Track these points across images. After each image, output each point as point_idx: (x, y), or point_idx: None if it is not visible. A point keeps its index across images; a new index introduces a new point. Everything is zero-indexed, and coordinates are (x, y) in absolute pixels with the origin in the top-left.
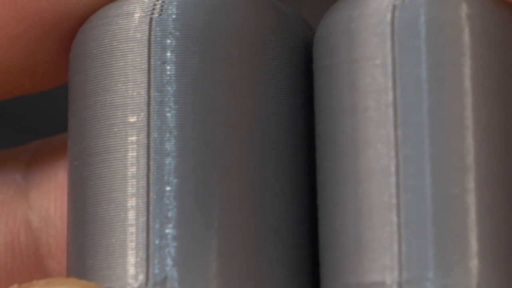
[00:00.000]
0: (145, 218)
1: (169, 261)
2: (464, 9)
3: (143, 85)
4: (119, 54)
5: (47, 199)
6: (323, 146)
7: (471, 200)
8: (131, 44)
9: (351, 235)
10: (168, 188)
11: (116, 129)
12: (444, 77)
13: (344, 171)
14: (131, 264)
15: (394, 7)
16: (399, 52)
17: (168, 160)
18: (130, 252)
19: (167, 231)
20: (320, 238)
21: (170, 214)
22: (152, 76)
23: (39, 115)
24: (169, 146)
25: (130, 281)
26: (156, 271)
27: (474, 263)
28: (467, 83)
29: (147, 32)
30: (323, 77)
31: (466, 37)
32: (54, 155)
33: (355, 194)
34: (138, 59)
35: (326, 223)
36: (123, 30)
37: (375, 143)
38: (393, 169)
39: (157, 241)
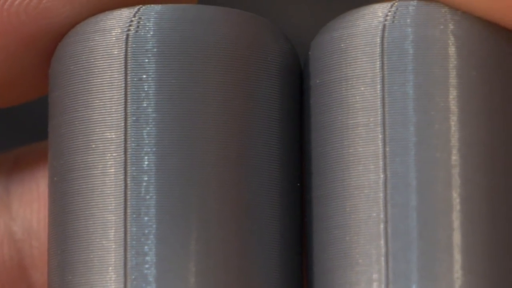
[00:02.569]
0: (122, 235)
1: (147, 278)
2: (451, 29)
3: (120, 101)
4: (96, 70)
5: (29, 210)
6: (313, 163)
7: (456, 215)
8: (108, 61)
9: (339, 250)
10: (145, 204)
11: (94, 145)
12: (431, 95)
13: (333, 187)
14: (109, 280)
15: (384, 27)
16: (388, 71)
17: (145, 177)
18: (108, 268)
19: (144, 247)
20: (308, 253)
21: (147, 230)
22: (129, 92)
23: (39, 115)
24: (147, 162)
25: None
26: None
27: (458, 276)
28: (454, 102)
29: (124, 48)
30: (314, 95)
31: (453, 57)
32: (35, 164)
33: (344, 209)
34: (115, 76)
35: (314, 238)
36: (100, 47)
37: (364, 159)
38: (381, 184)
39: (134, 258)
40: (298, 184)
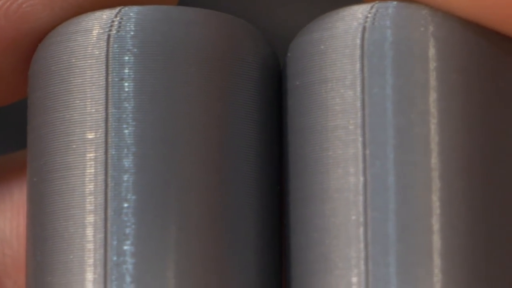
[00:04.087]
0: (102, 235)
1: (127, 278)
2: (432, 31)
3: (101, 101)
4: (77, 70)
5: (3, 219)
6: (292, 165)
7: (436, 218)
8: (89, 61)
9: (318, 253)
10: (125, 205)
11: (74, 146)
12: (411, 98)
13: (313, 190)
14: (89, 280)
15: (364, 29)
16: (368, 73)
17: (126, 177)
18: (88, 269)
19: (125, 247)
20: (287, 256)
21: (127, 230)
22: (110, 92)
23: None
24: (127, 162)
25: None
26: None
27: (437, 280)
28: (434, 105)
29: (105, 49)
30: (294, 97)
31: (434, 59)
32: (8, 173)
33: (323, 212)
34: (96, 76)
35: (293, 241)
36: (81, 47)
37: (343, 162)
38: (361, 187)
39: (114, 258)
40: (278, 187)
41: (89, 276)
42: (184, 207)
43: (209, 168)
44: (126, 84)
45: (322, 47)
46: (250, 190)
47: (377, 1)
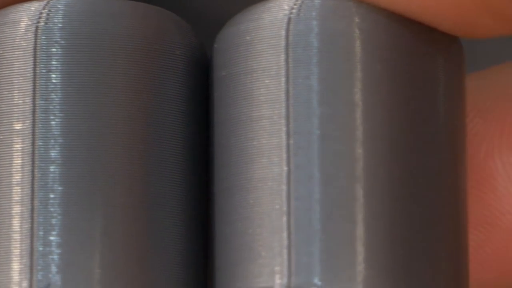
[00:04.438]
0: (29, 225)
1: (53, 268)
2: (356, 23)
3: (28, 93)
4: (5, 62)
5: None
6: (218, 156)
7: (360, 208)
8: (17, 53)
9: (242, 242)
10: (52, 196)
11: (1, 137)
12: (335, 89)
13: (237, 180)
14: (15, 270)
15: (289, 20)
16: (292, 63)
17: (52, 168)
18: (14, 259)
19: (51, 238)
20: (212, 246)
21: (54, 221)
22: (37, 84)
23: None
24: (54, 153)
25: (14, 287)
26: (40, 277)
27: (360, 269)
28: (358, 96)
29: (33, 40)
30: (220, 87)
31: (358, 50)
32: None
33: (247, 202)
34: (24, 67)
35: (218, 230)
36: (9, 39)
37: (267, 152)
38: (284, 177)
39: (40, 248)
40: (205, 178)
41: (15, 266)
42: (110, 199)
43: (135, 160)
44: (53, 75)
45: (248, 38)
46: (176, 181)
47: None
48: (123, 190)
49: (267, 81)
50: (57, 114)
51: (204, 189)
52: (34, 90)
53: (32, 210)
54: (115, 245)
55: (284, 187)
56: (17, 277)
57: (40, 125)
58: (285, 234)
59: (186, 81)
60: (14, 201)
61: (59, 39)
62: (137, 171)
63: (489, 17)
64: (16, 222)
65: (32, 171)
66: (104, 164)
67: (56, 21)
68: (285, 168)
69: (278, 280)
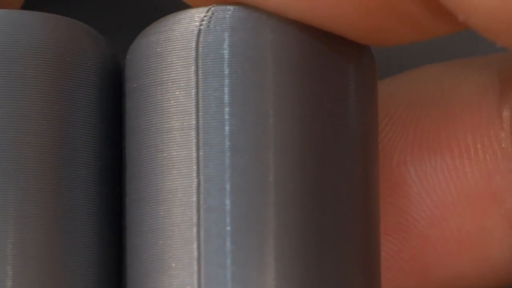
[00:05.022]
0: None
1: None
2: (267, 35)
3: None
4: None
5: None
6: (129, 167)
7: (270, 220)
8: None
9: (152, 253)
10: None
11: None
12: (246, 100)
13: (148, 191)
14: None
15: (199, 31)
16: (202, 75)
17: None
18: None
19: None
20: (124, 257)
21: None
22: None
23: None
24: None
25: None
26: None
27: (270, 281)
28: (269, 107)
29: None
30: (131, 99)
31: (269, 62)
32: None
33: (157, 213)
34: None
35: (129, 242)
36: None
37: (177, 164)
38: (194, 188)
39: None
40: (118, 189)
41: None
42: (21, 210)
43: (47, 171)
44: None
45: (158, 49)
46: (89, 192)
47: (214, 5)
48: (35, 201)
49: (177, 93)
50: None
51: (117, 200)
52: None
53: None
54: (25, 257)
55: (194, 199)
56: None
57: None
58: (195, 246)
59: (98, 92)
60: None
61: None
62: (49, 182)
63: (397, 23)
64: None
65: None
66: (15, 175)
67: None
68: (195, 180)
69: None
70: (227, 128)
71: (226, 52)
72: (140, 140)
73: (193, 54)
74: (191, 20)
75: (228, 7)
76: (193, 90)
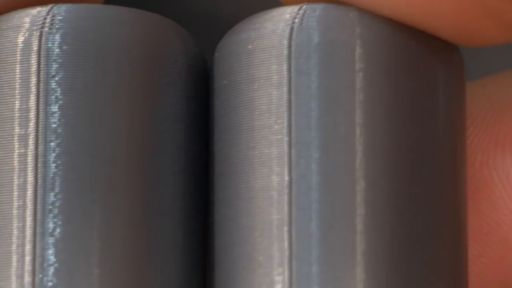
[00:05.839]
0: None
1: (51, 270)
2: (359, 32)
3: (33, 98)
4: (8, 66)
5: None
6: (218, 165)
7: (360, 219)
8: (20, 57)
9: (242, 251)
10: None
11: (4, 141)
12: (337, 98)
13: (238, 189)
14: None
15: (292, 29)
16: (295, 73)
17: (51, 174)
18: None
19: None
20: (211, 255)
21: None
22: (41, 90)
23: None
24: (54, 158)
25: None
26: (42, 279)
27: (360, 279)
28: (360, 105)
29: (37, 45)
30: (221, 96)
31: (360, 60)
32: None
33: (248, 211)
34: (27, 72)
35: (217, 240)
36: (12, 43)
37: (269, 161)
38: (286, 187)
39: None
40: (205, 186)
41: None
42: (109, 207)
43: (135, 168)
44: (55, 81)
45: (249, 47)
46: (177, 190)
47: (305, 3)
48: (122, 198)
49: (269, 90)
50: (60, 120)
51: (204, 198)
52: (37, 96)
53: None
54: (113, 254)
55: (286, 197)
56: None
57: (42, 131)
58: (286, 244)
59: (186, 89)
60: (15, 206)
61: (62, 45)
62: (137, 180)
63: (490, 22)
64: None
65: (35, 175)
66: (104, 171)
67: (58, 27)
68: (286, 178)
69: None
70: (318, 126)
71: (317, 51)
72: (230, 137)
73: (286, 52)
74: (283, 18)
75: (320, 5)
76: (285, 88)
